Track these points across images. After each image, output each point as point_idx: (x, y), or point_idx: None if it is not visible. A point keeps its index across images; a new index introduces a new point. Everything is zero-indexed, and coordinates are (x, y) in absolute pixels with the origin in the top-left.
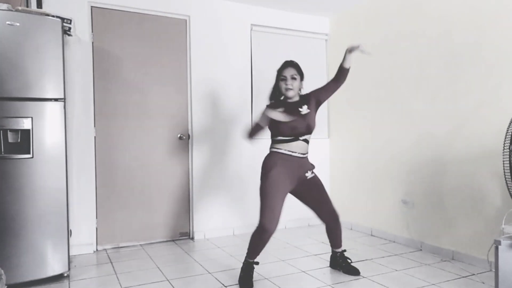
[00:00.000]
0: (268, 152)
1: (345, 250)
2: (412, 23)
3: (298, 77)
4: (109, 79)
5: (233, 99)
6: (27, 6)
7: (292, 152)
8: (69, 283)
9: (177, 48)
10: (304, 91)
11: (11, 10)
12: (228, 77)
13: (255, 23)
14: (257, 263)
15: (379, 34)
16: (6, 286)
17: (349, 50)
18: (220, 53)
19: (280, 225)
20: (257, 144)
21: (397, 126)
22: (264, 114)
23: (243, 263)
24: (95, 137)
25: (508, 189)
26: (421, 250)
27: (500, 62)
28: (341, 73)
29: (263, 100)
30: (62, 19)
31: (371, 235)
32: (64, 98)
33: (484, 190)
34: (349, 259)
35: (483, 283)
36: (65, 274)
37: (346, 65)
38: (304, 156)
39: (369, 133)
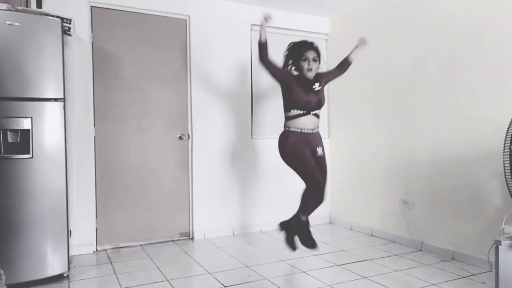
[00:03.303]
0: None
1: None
2: (413, 23)
3: (318, 59)
4: (109, 79)
5: (233, 99)
6: (27, 6)
7: (302, 128)
8: (69, 283)
9: (177, 48)
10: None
11: (11, 10)
12: (228, 77)
13: (255, 23)
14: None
15: (379, 34)
16: (6, 286)
17: (361, 44)
18: (220, 53)
19: None
20: (257, 144)
21: (397, 126)
22: (261, 29)
23: (297, 223)
24: (95, 137)
25: (508, 189)
26: (421, 250)
27: (500, 62)
28: (345, 64)
29: (262, 99)
30: (62, 19)
31: (371, 235)
32: (64, 98)
33: (484, 190)
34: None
35: (484, 283)
36: (65, 274)
37: (351, 59)
38: (315, 131)
39: (369, 133)
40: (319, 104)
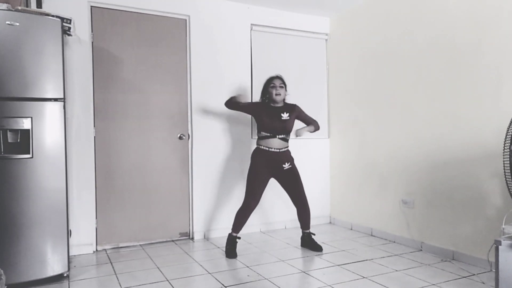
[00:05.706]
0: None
1: (313, 234)
2: (412, 23)
3: (284, 86)
4: (109, 79)
5: None
6: (27, 6)
7: (269, 147)
8: (68, 283)
9: (177, 48)
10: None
11: (11, 10)
12: (228, 77)
13: (255, 23)
14: (239, 238)
15: (379, 34)
16: (6, 286)
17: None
18: (220, 52)
19: (280, 225)
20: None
21: (397, 126)
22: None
23: (228, 237)
24: (94, 137)
25: (509, 189)
26: (421, 250)
27: (500, 62)
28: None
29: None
30: (62, 19)
31: (371, 235)
32: (64, 98)
33: (484, 190)
34: (313, 234)
35: (484, 283)
36: (65, 274)
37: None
38: (281, 150)
39: (369, 133)
40: (285, 130)
